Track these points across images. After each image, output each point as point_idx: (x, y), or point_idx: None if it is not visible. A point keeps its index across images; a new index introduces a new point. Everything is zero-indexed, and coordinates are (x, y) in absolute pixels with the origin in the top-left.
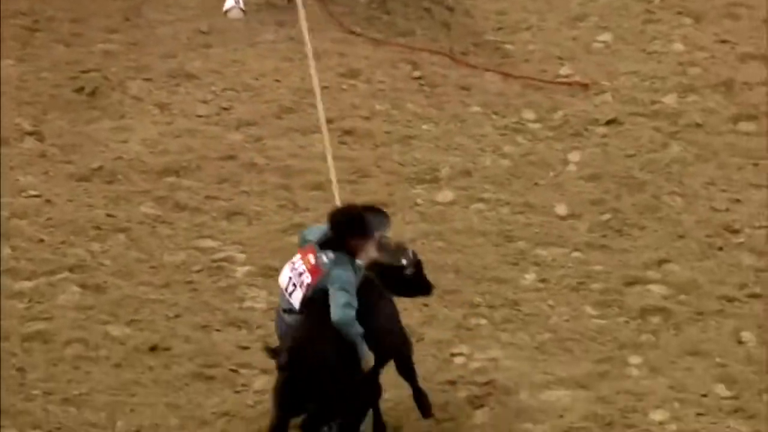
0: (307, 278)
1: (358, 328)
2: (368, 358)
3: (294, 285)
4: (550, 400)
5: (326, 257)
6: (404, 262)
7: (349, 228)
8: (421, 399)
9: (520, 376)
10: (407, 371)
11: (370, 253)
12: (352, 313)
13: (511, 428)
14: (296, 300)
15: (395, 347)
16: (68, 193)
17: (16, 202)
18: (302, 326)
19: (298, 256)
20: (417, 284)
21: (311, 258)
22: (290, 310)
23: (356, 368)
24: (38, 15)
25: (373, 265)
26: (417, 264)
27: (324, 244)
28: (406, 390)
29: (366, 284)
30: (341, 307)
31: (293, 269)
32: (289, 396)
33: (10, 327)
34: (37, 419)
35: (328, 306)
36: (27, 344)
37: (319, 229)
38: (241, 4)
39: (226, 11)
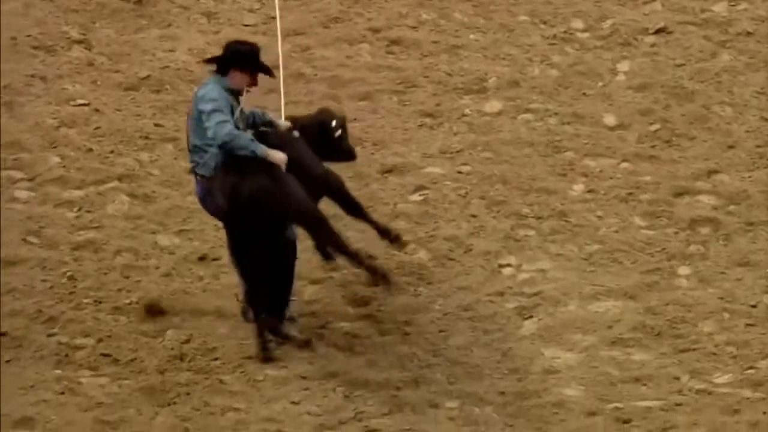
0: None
1: (244, 137)
2: (273, 155)
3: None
4: (599, 311)
5: (206, 86)
6: (333, 123)
7: (235, 55)
8: (383, 230)
9: (569, 287)
10: (357, 206)
11: (243, 85)
12: (229, 126)
13: (559, 339)
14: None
15: (340, 183)
16: (116, 102)
17: (65, 111)
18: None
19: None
20: (343, 147)
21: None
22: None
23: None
24: None
25: (302, 126)
26: (343, 126)
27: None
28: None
29: (289, 139)
30: (219, 125)
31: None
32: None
33: (60, 236)
34: (87, 327)
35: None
36: (77, 253)
37: None
38: None
39: None
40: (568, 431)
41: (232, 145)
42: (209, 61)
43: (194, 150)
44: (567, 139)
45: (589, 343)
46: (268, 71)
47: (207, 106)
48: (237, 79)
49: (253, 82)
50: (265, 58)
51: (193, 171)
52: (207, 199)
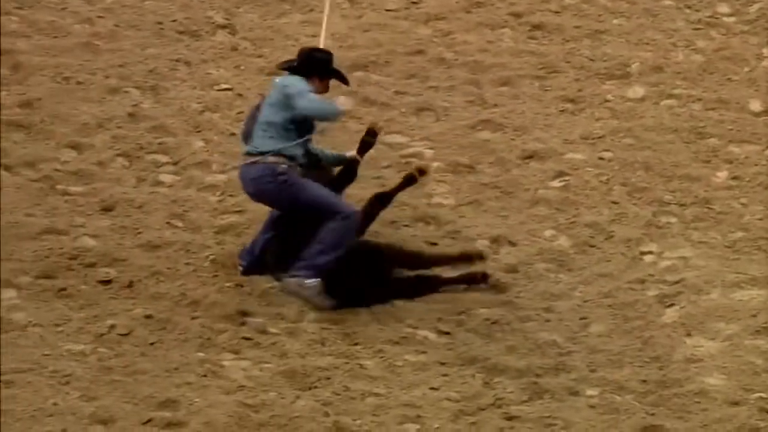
0: (261, 102)
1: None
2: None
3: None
4: (743, 299)
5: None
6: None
7: (314, 62)
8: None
9: (712, 275)
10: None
11: (318, 91)
12: (318, 101)
13: (701, 327)
14: (251, 125)
15: None
16: (259, 87)
17: (208, 96)
18: None
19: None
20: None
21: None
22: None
23: None
24: None
25: None
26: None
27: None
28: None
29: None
30: (313, 101)
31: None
32: None
33: (203, 219)
34: (229, 311)
35: None
36: (220, 236)
37: None
38: None
39: None
40: (710, 421)
41: (324, 113)
42: (286, 67)
43: (265, 129)
44: (711, 125)
45: (733, 331)
46: (344, 79)
47: (296, 88)
48: (314, 84)
49: (325, 89)
50: (407, 42)
51: (259, 153)
52: (270, 182)
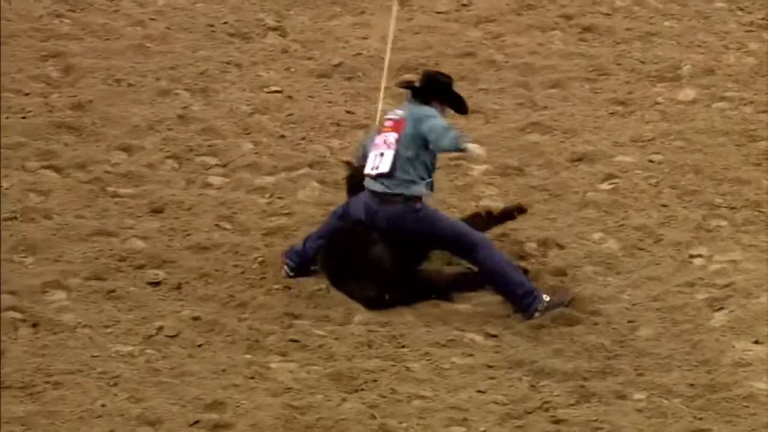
0: (393, 135)
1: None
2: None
3: (381, 154)
4: None
5: (399, 111)
6: None
7: (439, 86)
8: None
9: (761, 279)
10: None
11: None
12: (456, 138)
13: (751, 331)
14: (385, 164)
15: None
16: (309, 89)
17: (258, 98)
18: None
19: (376, 137)
20: None
21: (388, 123)
22: (376, 191)
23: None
24: None
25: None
26: None
27: (414, 93)
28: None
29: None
30: (454, 140)
31: (375, 147)
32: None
33: (251, 221)
34: (276, 313)
35: None
36: (268, 239)
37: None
38: None
39: None
40: (759, 425)
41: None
42: (410, 87)
43: (404, 167)
44: (762, 128)
45: None
46: (464, 105)
47: (436, 131)
48: (434, 108)
49: (443, 112)
50: (457, 45)
51: (400, 194)
52: (410, 220)
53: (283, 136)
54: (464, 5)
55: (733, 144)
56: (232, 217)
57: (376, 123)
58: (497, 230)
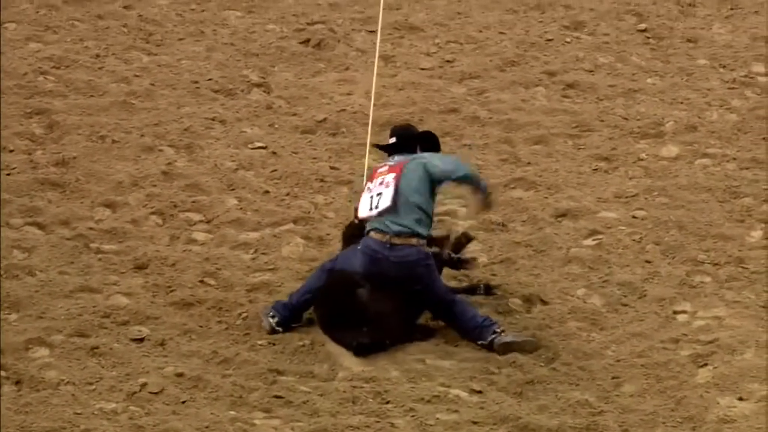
0: (390, 177)
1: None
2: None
3: (378, 194)
4: None
5: (397, 156)
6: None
7: (418, 139)
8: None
9: (746, 335)
10: None
11: None
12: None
13: (736, 388)
14: (386, 200)
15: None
16: (293, 145)
17: (243, 154)
18: None
19: (369, 184)
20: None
21: (382, 169)
22: (386, 232)
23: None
24: None
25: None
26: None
27: (393, 149)
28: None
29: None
30: (459, 163)
31: (370, 191)
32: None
33: (236, 277)
34: (260, 369)
35: None
36: (252, 294)
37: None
38: None
39: None
40: None
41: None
42: (384, 148)
43: (416, 214)
44: (745, 184)
45: (767, 392)
46: (437, 146)
47: (442, 157)
48: None
49: None
50: (441, 101)
51: (414, 234)
52: (422, 266)
53: (267, 192)
54: (448, 62)
55: (716, 200)
56: (216, 273)
57: (364, 179)
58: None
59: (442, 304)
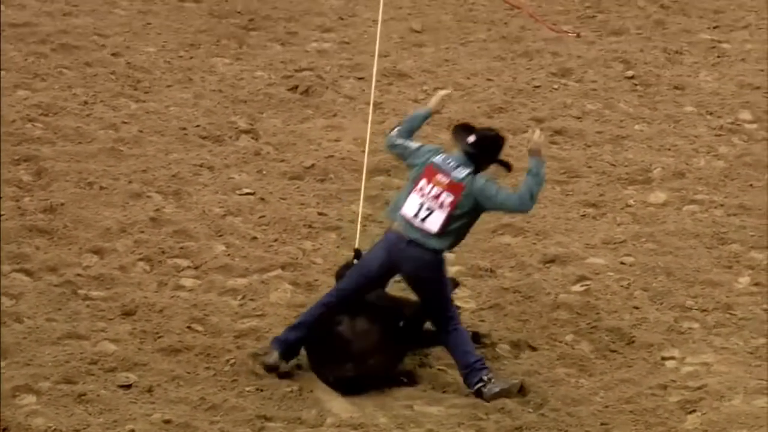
0: (448, 197)
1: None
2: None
3: (428, 209)
4: (765, 406)
5: (458, 173)
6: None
7: (491, 152)
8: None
9: (734, 382)
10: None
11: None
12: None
13: None
14: (435, 223)
15: None
16: (281, 191)
17: (231, 200)
18: None
19: (423, 181)
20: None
21: (442, 178)
22: (415, 240)
23: None
24: (254, 14)
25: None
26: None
27: (465, 159)
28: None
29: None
30: (527, 199)
31: (423, 195)
32: None
33: (223, 323)
34: (248, 415)
35: None
36: (240, 341)
37: (433, 151)
38: None
39: None
40: None
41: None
42: (467, 152)
43: (448, 235)
44: (733, 230)
45: None
46: (509, 166)
47: (498, 198)
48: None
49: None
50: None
51: (436, 241)
52: (433, 272)
53: (255, 238)
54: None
55: (704, 246)
56: (204, 319)
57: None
58: (469, 331)
59: (441, 322)
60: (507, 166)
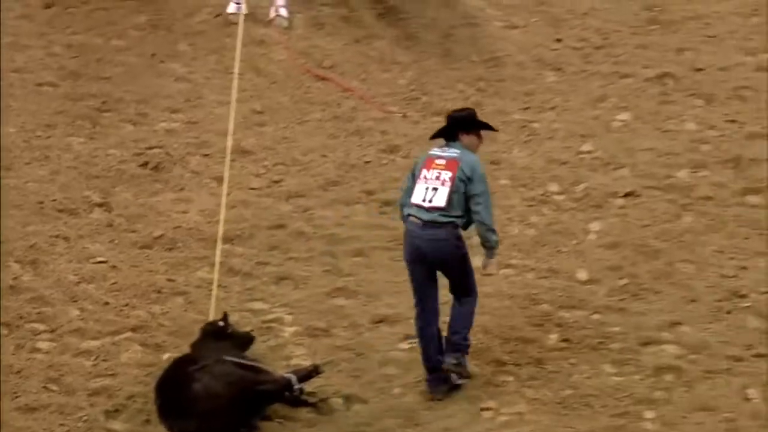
0: (448, 174)
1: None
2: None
3: (434, 189)
4: None
5: (452, 153)
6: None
7: (461, 124)
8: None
9: (544, 430)
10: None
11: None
12: (487, 213)
13: None
14: (441, 198)
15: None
16: (132, 260)
17: (85, 268)
18: None
19: (425, 170)
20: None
21: (439, 161)
22: (430, 221)
23: None
24: (107, 97)
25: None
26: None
27: (442, 136)
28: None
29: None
30: (488, 211)
31: (427, 180)
32: None
33: (77, 382)
34: None
35: None
36: (93, 398)
37: (425, 154)
38: (243, 9)
39: (230, 14)
40: None
41: (490, 232)
42: (438, 135)
43: (451, 203)
44: (543, 292)
45: None
46: (491, 126)
47: (482, 187)
48: (466, 140)
49: (480, 140)
50: (269, 217)
51: (445, 216)
52: (455, 246)
53: (107, 303)
54: (275, 182)
55: (518, 306)
56: (59, 379)
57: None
58: (305, 386)
59: (459, 294)
60: (491, 128)
